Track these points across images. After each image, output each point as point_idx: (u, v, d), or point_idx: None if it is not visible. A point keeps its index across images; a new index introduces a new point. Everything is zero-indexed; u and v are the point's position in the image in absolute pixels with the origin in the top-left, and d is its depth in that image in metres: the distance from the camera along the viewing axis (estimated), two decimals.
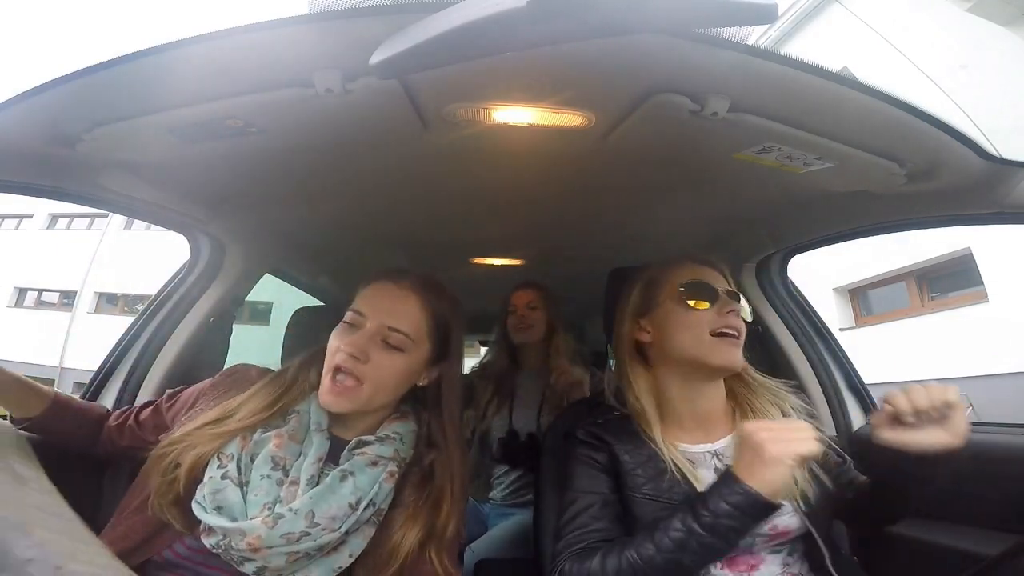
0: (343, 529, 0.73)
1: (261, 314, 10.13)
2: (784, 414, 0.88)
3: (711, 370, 0.86)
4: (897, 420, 0.74)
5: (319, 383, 0.81)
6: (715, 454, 0.87)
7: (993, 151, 0.77)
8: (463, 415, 0.94)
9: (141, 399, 1.22)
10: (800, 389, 1.32)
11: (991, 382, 5.17)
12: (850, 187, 0.95)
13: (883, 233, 1.14)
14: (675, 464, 0.83)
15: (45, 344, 12.21)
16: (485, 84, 0.72)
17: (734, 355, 0.84)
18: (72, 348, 12.27)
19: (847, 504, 0.88)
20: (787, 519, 0.82)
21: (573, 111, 0.78)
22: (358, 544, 0.76)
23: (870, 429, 0.77)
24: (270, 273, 1.60)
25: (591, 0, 0.43)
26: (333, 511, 0.73)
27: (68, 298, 13.45)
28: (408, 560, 0.76)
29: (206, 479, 0.74)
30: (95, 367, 1.29)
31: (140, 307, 1.60)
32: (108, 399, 1.22)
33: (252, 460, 0.76)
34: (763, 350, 1.41)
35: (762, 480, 0.67)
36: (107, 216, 12.36)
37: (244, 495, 0.73)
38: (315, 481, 0.75)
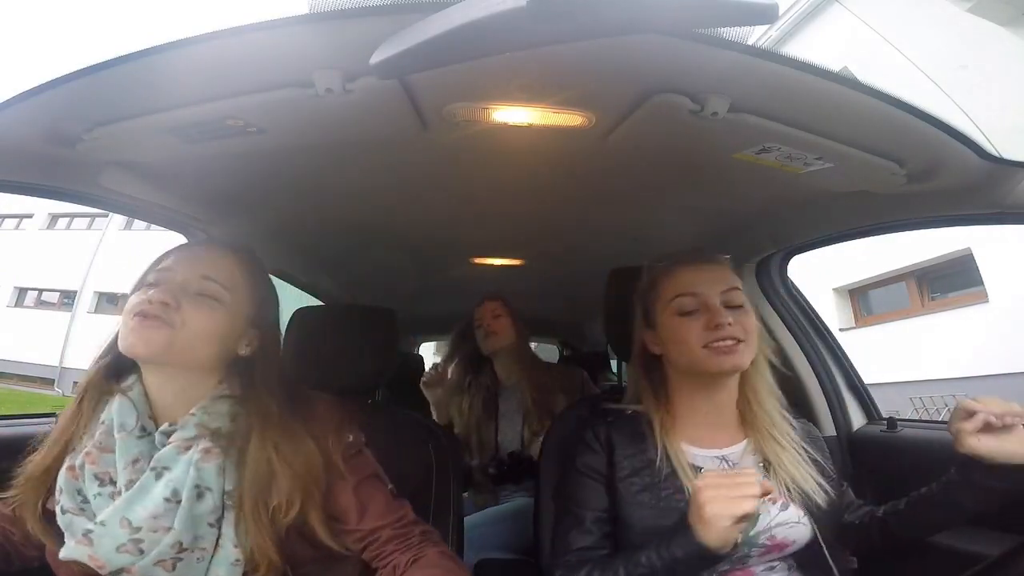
0: (177, 526, 0.66)
1: None
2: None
3: (710, 376, 0.86)
4: (984, 428, 0.74)
5: (109, 384, 0.73)
6: (723, 459, 0.87)
7: (993, 151, 0.77)
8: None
9: None
10: (801, 390, 1.32)
11: (991, 382, 5.16)
12: (850, 187, 0.95)
13: (883, 233, 1.14)
14: (679, 471, 0.83)
15: (45, 344, 12.22)
16: (485, 84, 0.71)
17: (729, 361, 0.82)
18: (72, 348, 12.27)
19: (852, 530, 0.90)
20: (787, 529, 0.81)
21: (573, 111, 0.78)
22: (236, 534, 0.69)
23: (954, 434, 0.76)
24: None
25: (591, 0, 0.43)
26: (150, 510, 0.66)
27: (68, 298, 13.44)
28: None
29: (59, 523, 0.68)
30: None
31: None
32: None
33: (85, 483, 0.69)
34: None
35: (706, 537, 0.70)
36: (107, 216, 12.35)
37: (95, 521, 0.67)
38: (134, 485, 0.69)
